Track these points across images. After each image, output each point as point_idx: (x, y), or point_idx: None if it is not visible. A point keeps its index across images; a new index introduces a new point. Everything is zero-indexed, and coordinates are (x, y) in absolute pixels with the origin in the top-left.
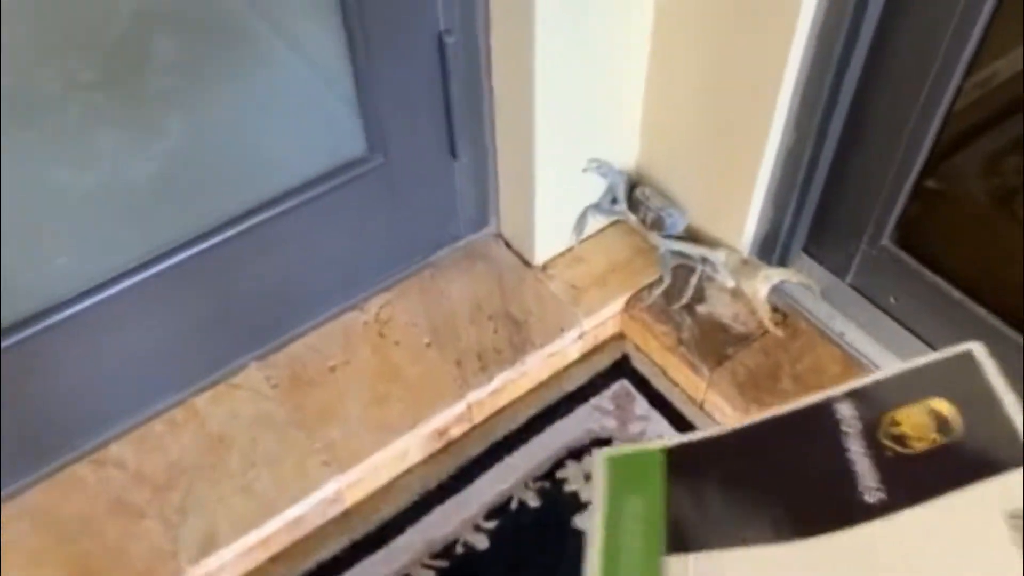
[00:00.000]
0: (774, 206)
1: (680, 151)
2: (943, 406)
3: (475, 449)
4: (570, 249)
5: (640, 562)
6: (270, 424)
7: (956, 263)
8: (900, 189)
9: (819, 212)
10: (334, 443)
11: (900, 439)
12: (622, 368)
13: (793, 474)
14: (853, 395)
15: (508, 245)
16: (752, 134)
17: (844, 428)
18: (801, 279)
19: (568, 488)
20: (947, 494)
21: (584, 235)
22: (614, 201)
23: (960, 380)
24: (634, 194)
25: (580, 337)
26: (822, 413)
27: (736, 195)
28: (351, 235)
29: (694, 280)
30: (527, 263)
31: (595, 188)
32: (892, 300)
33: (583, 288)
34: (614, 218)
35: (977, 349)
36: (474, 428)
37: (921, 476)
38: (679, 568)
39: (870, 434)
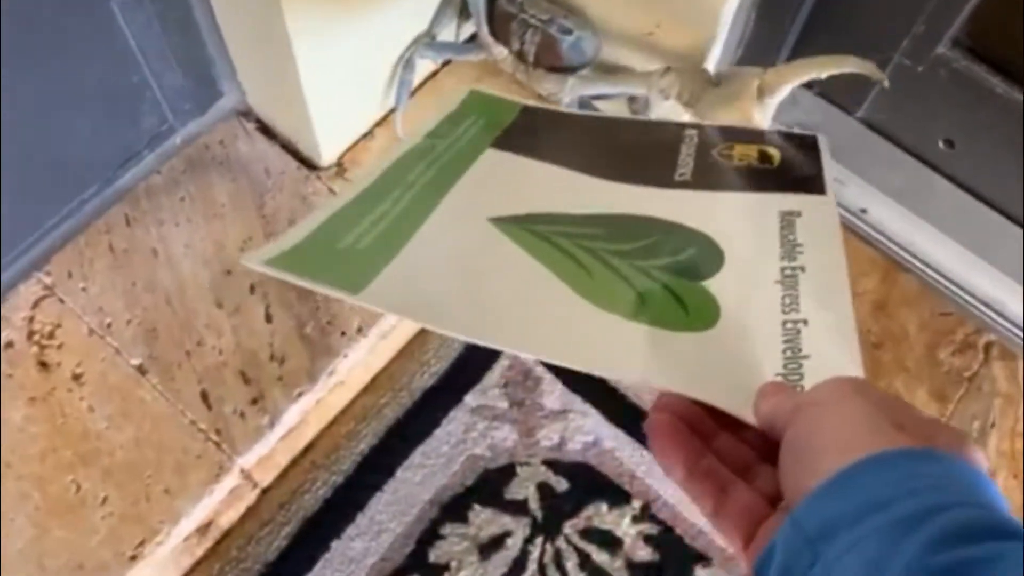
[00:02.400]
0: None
1: None
2: (773, 151)
3: (272, 537)
4: (383, 123)
5: (462, 148)
6: None
7: None
8: None
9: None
10: None
11: (726, 156)
12: None
13: (626, 144)
14: (704, 128)
15: (268, 133)
16: None
17: (685, 137)
18: (850, 67)
19: None
20: (741, 191)
21: (409, 96)
22: (464, 15)
23: (798, 144)
24: (497, 4)
25: None
26: (674, 126)
27: None
28: None
29: None
30: (308, 164)
31: (418, 6)
32: (942, 145)
33: None
34: (464, 56)
35: (823, 139)
36: (264, 494)
37: (726, 177)
38: (496, 158)
39: (704, 147)
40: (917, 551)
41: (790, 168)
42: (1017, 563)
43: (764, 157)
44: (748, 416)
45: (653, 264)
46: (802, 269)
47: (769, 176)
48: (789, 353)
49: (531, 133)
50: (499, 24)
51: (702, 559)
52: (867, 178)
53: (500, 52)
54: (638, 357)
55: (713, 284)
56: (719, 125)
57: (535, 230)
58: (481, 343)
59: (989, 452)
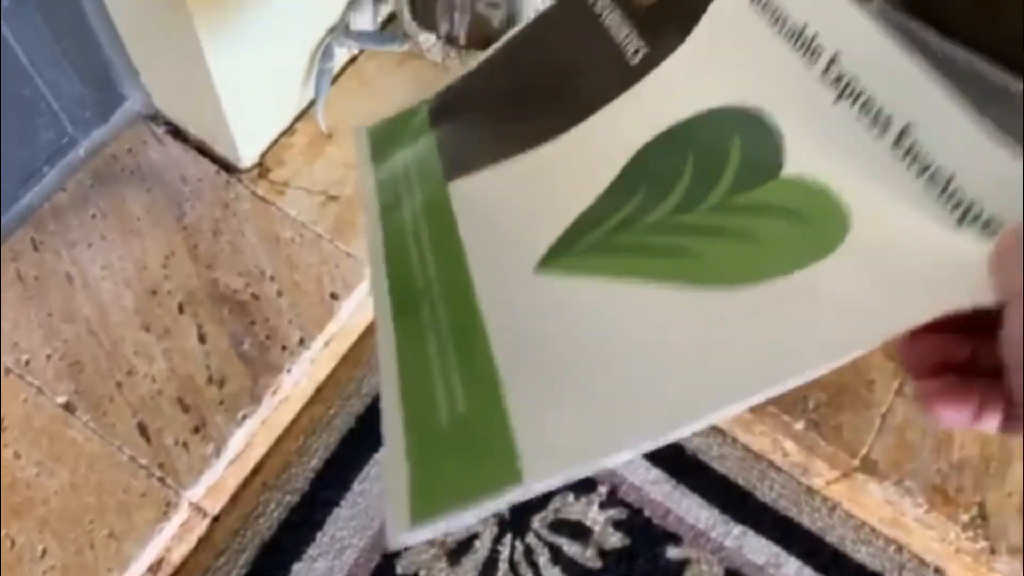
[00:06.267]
0: None
1: None
2: None
3: (230, 567)
4: (304, 116)
5: (423, 198)
6: None
7: None
8: None
9: None
10: None
11: None
12: None
13: (556, 71)
14: None
15: (180, 137)
16: None
17: (597, 9)
18: None
19: None
20: (701, 18)
21: (327, 91)
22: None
23: None
24: None
25: None
26: (571, 4)
27: None
28: None
29: None
30: (227, 167)
31: None
32: None
33: (354, 195)
34: (386, 47)
35: None
36: (216, 522)
37: (675, 13)
38: (464, 193)
39: (622, 2)
40: None
41: None
42: None
43: None
44: (963, 302)
45: (721, 192)
46: (856, 85)
47: None
48: (958, 214)
49: (463, 133)
50: (422, 9)
51: (673, 538)
52: None
53: (427, 40)
54: (836, 319)
55: (793, 164)
56: None
57: (587, 245)
58: (686, 430)
59: None
